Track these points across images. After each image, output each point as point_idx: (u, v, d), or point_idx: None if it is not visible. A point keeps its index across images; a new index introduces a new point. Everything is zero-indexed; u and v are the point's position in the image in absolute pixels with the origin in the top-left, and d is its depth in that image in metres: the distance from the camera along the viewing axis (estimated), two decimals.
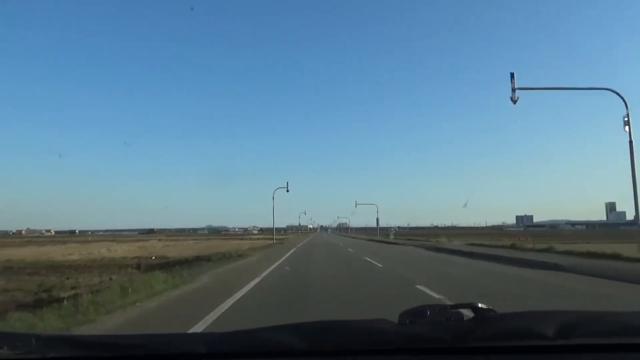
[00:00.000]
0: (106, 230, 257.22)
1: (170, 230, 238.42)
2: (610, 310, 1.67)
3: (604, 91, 19.20)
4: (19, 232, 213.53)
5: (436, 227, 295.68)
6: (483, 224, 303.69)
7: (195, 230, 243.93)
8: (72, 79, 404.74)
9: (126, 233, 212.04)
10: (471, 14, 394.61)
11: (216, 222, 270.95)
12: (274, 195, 48.28)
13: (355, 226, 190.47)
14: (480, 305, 1.64)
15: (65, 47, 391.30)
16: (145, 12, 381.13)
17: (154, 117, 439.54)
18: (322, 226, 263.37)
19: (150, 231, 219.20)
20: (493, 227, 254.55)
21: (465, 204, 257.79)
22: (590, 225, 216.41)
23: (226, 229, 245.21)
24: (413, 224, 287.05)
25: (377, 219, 67.63)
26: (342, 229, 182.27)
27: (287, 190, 46.26)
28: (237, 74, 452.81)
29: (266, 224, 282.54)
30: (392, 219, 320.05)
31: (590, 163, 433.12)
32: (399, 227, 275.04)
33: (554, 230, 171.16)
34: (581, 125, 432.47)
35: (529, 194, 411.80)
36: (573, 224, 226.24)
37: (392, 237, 79.29)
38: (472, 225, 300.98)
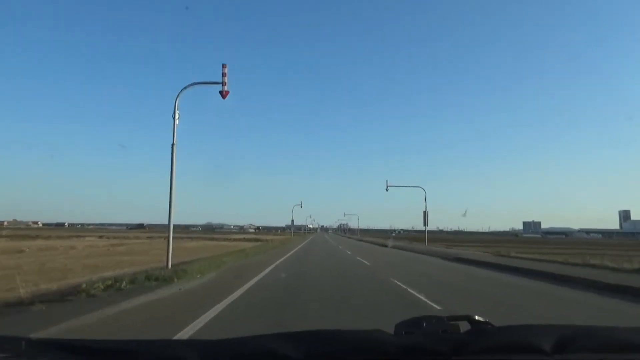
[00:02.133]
0: (100, 224, 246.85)
1: (163, 225, 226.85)
2: (608, 326, 1.65)
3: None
4: (1, 223, 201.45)
5: (442, 232, 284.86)
6: (486, 229, 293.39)
7: (188, 227, 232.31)
8: (68, 73, 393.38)
9: (114, 227, 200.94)
10: (473, 16, 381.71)
11: (216, 220, 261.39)
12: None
13: (354, 227, 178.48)
14: (477, 317, 1.61)
15: (60, 43, 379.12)
16: (141, 10, 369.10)
17: (151, 113, 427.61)
18: (322, 226, 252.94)
19: (140, 226, 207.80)
20: (505, 233, 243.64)
21: (465, 213, 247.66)
22: (606, 233, 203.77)
23: (221, 227, 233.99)
24: (418, 228, 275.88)
25: (426, 213, 37.84)
26: (345, 230, 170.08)
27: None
28: (236, 72, 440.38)
29: (263, 222, 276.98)
30: (395, 222, 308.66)
31: (600, 169, 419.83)
32: (402, 231, 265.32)
33: (569, 238, 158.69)
34: (591, 129, 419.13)
35: (535, 199, 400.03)
36: (588, 232, 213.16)
37: (390, 243, 66.20)
38: (479, 231, 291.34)
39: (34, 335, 4.08)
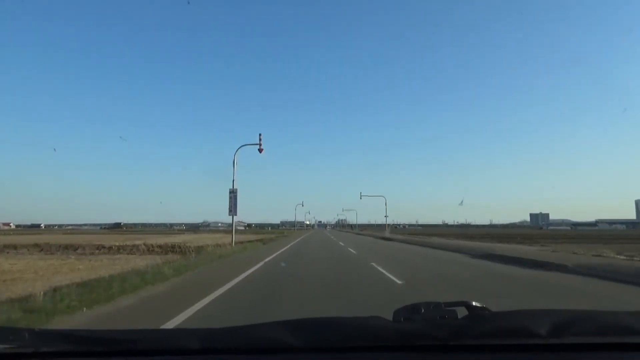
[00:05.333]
0: (77, 225, 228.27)
1: (142, 224, 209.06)
2: (604, 310, 1.68)
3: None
4: None
5: (446, 225, 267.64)
6: (487, 222, 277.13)
7: (172, 225, 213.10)
8: (50, 68, 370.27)
9: (85, 228, 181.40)
10: (470, 7, 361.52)
11: (213, 218, 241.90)
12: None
13: (356, 223, 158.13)
14: (474, 303, 1.64)
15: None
16: (142, 3, 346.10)
17: (142, 110, 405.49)
18: (320, 222, 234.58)
19: (117, 226, 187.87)
20: (514, 226, 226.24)
21: (461, 202, 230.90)
22: (629, 224, 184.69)
23: (207, 225, 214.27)
24: (422, 222, 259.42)
25: None
26: (352, 225, 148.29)
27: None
28: (233, 66, 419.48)
29: (255, 219, 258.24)
30: (399, 216, 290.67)
31: (610, 158, 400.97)
32: (408, 225, 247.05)
33: (601, 229, 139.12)
34: (598, 116, 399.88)
35: (539, 191, 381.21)
36: (610, 222, 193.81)
37: (387, 233, 57.90)
38: (487, 224, 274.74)
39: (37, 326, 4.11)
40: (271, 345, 1.40)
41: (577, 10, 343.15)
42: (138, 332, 1.53)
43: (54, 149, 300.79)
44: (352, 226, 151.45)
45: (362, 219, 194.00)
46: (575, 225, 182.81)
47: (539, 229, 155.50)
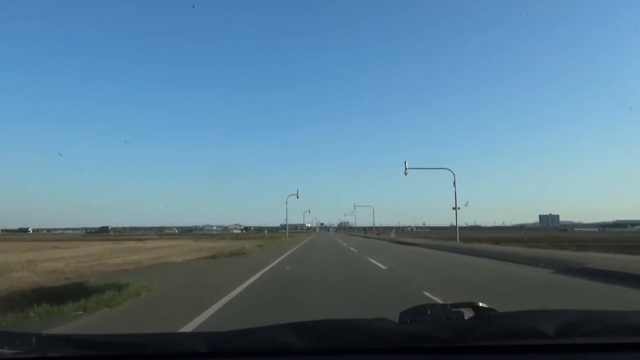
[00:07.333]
0: (65, 228, 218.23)
1: (131, 228, 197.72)
2: (612, 310, 1.65)
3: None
4: None
5: (454, 227, 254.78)
6: (494, 224, 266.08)
7: (163, 228, 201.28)
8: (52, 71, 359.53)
9: (69, 232, 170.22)
10: (473, 7, 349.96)
11: (215, 222, 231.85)
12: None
13: (358, 225, 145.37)
14: (481, 304, 1.63)
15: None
16: (146, 7, 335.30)
17: (142, 113, 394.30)
18: (322, 224, 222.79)
19: (103, 229, 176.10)
20: (526, 227, 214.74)
21: (467, 202, 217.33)
22: None
23: (201, 229, 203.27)
24: (429, 224, 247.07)
25: None
26: (365, 229, 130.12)
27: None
28: (232, 67, 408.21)
29: (252, 222, 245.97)
30: (405, 218, 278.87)
31: (619, 158, 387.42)
32: (415, 227, 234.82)
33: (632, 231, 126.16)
34: (604, 116, 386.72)
35: (548, 192, 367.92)
36: (633, 224, 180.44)
37: (393, 235, 54.33)
38: (495, 225, 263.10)
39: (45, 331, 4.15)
40: (277, 348, 1.40)
41: (583, 9, 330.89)
42: (145, 337, 1.53)
43: (60, 154, 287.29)
44: (365, 229, 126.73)
45: (363, 221, 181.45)
46: (602, 226, 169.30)
47: (562, 231, 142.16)
